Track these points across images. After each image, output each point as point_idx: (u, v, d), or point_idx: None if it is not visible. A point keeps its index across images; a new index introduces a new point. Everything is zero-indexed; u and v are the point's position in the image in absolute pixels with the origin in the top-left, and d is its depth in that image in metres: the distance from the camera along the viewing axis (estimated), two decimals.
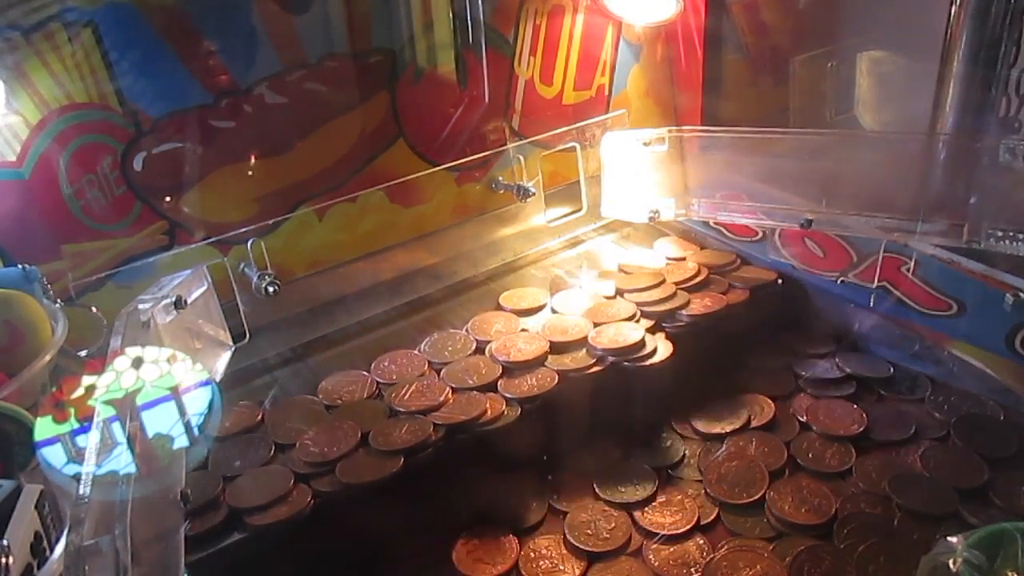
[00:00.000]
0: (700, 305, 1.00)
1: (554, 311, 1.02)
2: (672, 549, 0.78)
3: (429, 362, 0.94)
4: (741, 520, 0.80)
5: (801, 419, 0.92)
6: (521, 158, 1.14)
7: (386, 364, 0.94)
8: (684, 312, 0.99)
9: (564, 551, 0.79)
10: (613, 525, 0.80)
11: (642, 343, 0.92)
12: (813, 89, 1.33)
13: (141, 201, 0.91)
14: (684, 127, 1.08)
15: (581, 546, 0.78)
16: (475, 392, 0.88)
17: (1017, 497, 0.78)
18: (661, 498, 0.83)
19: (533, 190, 1.13)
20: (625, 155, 1.09)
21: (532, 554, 0.78)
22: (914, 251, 0.94)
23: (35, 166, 0.85)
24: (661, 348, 0.93)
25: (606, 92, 1.22)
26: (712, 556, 0.76)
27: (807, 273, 1.05)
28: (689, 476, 0.86)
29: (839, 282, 1.01)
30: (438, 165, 1.09)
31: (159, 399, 0.73)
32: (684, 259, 1.11)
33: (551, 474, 0.89)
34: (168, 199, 0.93)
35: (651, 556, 0.77)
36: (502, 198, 1.16)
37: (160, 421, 0.73)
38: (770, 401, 0.95)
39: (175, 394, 0.76)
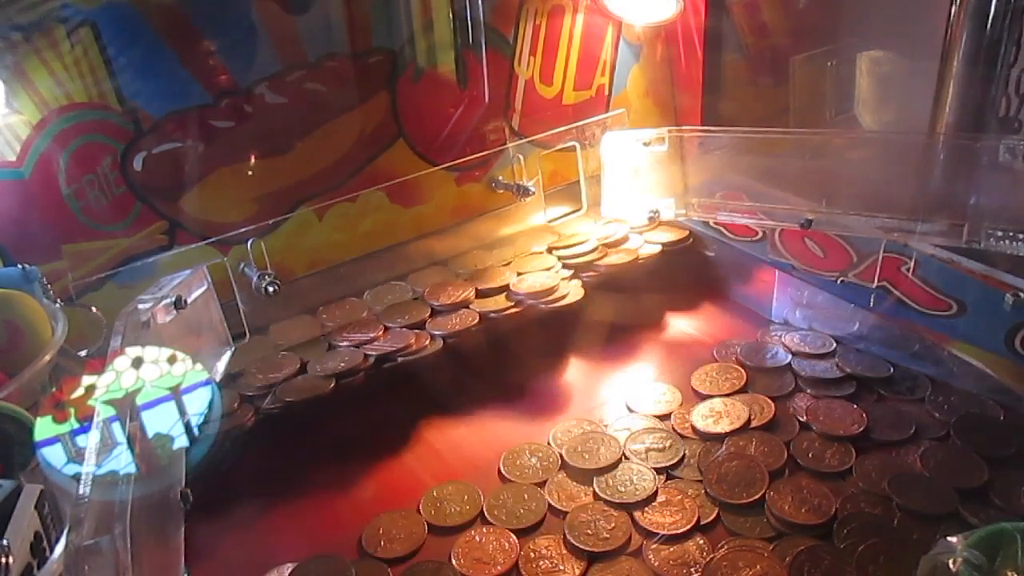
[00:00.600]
0: (614, 258, 1.12)
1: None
2: (672, 549, 0.77)
3: (369, 308, 1.05)
4: (741, 520, 0.80)
5: (801, 419, 0.92)
6: (521, 157, 1.14)
7: (332, 310, 1.05)
8: (599, 263, 1.11)
9: (564, 551, 0.78)
10: (613, 525, 0.80)
11: (555, 287, 1.05)
12: (813, 89, 1.33)
13: (141, 201, 0.91)
14: (684, 127, 1.08)
15: (581, 546, 0.78)
16: (405, 329, 1.00)
17: (1017, 497, 0.78)
18: (661, 498, 0.83)
19: (533, 189, 1.13)
20: (625, 155, 1.09)
21: (532, 554, 0.78)
22: (914, 251, 0.94)
23: (35, 166, 0.85)
24: (573, 293, 1.06)
25: (606, 92, 1.22)
26: (712, 556, 0.76)
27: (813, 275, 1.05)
28: (689, 476, 0.86)
29: (839, 282, 1.01)
30: (438, 165, 1.09)
31: (159, 399, 0.73)
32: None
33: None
34: (168, 199, 0.93)
35: (651, 556, 0.77)
36: (502, 198, 1.16)
37: (160, 421, 0.73)
38: (770, 401, 0.95)
39: (175, 394, 0.76)
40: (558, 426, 0.94)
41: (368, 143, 1.04)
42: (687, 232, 1.17)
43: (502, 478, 0.88)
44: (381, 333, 1.00)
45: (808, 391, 0.97)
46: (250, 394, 0.92)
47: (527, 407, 1.01)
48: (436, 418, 0.99)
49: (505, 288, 1.07)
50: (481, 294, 1.07)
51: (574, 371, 1.07)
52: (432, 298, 1.05)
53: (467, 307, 1.04)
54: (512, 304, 1.04)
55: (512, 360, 1.07)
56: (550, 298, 1.05)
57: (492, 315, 1.03)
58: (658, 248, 1.15)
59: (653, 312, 1.17)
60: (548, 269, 1.11)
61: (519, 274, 1.10)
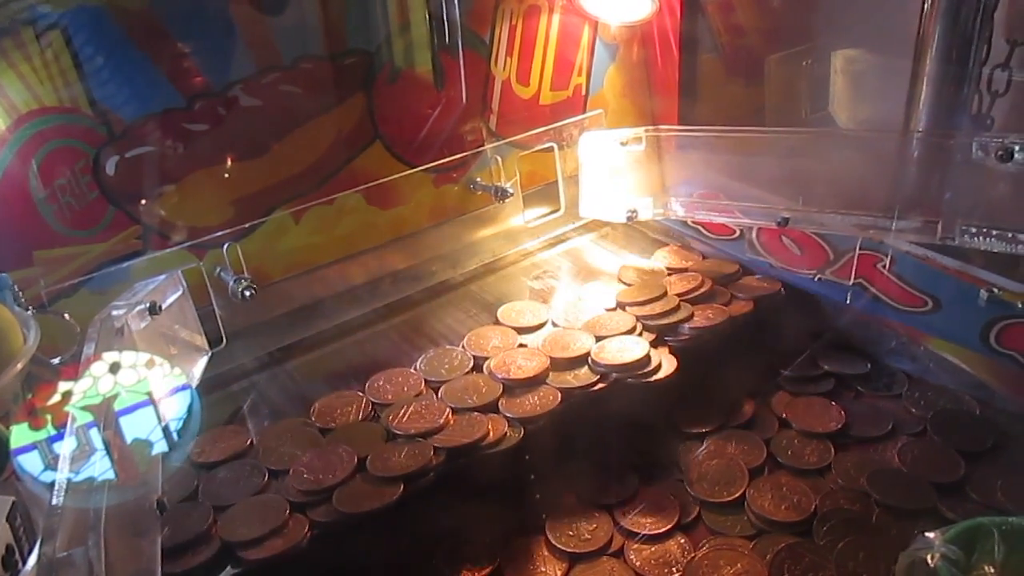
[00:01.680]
0: (702, 318, 0.97)
1: (554, 324, 0.99)
2: (653, 549, 0.78)
3: (426, 380, 0.91)
4: (722, 519, 0.80)
5: (781, 416, 0.93)
6: (499, 159, 1.14)
7: (381, 383, 0.91)
8: (687, 326, 0.96)
9: (545, 552, 0.78)
10: (594, 526, 0.80)
11: (647, 359, 0.90)
12: (788, 88, 1.33)
13: (114, 206, 0.90)
14: (661, 127, 1.08)
15: (562, 547, 0.78)
16: (475, 413, 0.84)
17: (993, 491, 0.79)
18: (642, 498, 0.83)
19: (511, 191, 1.13)
20: (602, 155, 1.09)
21: (514, 556, 0.78)
22: (889, 248, 0.94)
23: (5, 171, 0.83)
24: (665, 363, 0.91)
25: (583, 92, 1.22)
26: (693, 555, 0.76)
27: (789, 273, 1.05)
28: (670, 475, 0.86)
29: (816, 279, 1.02)
30: (415, 167, 1.08)
31: (136, 404, 0.72)
32: (686, 269, 1.08)
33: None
34: (142, 203, 0.92)
35: (632, 556, 0.77)
36: (480, 199, 1.16)
37: (138, 427, 0.72)
38: (749, 399, 0.95)
39: (153, 399, 0.75)
40: None
41: (345, 145, 1.03)
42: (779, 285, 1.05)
43: None
44: (450, 418, 0.83)
45: (787, 388, 0.98)
46: (298, 501, 0.76)
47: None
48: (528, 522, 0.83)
49: (585, 356, 0.91)
50: (556, 364, 0.90)
51: None
52: (501, 371, 0.89)
53: (543, 383, 0.88)
54: (597, 378, 0.89)
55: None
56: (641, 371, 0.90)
57: (575, 392, 0.87)
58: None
59: None
60: (631, 332, 0.94)
61: (597, 338, 0.93)
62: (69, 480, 0.56)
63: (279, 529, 0.73)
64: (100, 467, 0.59)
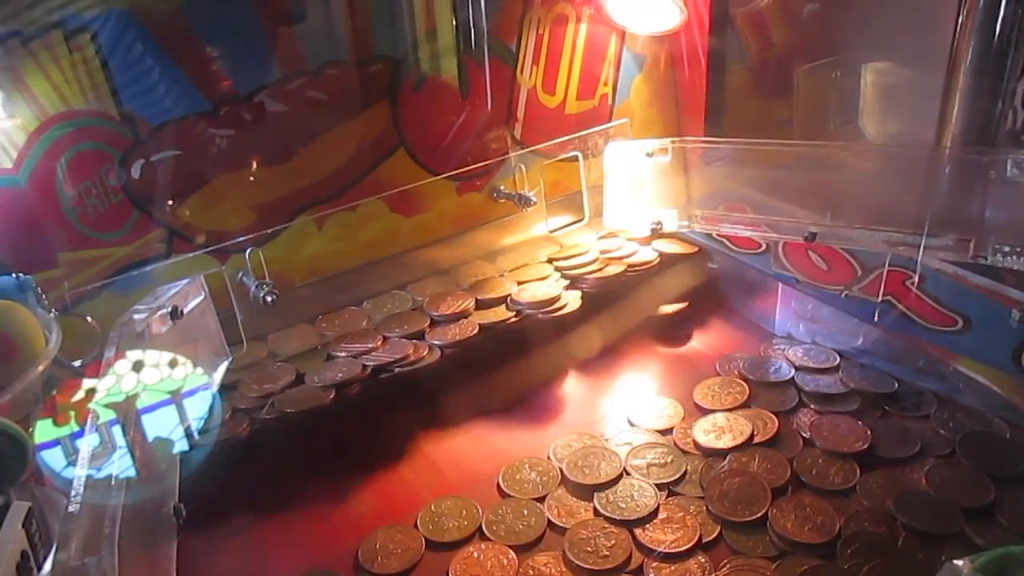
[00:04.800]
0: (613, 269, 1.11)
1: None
2: (673, 567, 0.76)
3: (368, 317, 1.04)
4: (743, 539, 0.79)
5: (805, 435, 0.91)
6: (523, 167, 1.13)
7: (335, 320, 1.04)
8: (596, 275, 1.10)
9: (563, 568, 0.77)
10: (613, 542, 0.79)
11: (557, 297, 1.04)
12: (817, 100, 1.32)
13: (139, 209, 0.90)
14: (687, 138, 1.08)
15: (580, 563, 0.77)
16: (404, 339, 0.99)
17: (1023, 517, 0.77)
18: (662, 515, 0.82)
19: (534, 199, 1.12)
20: (628, 165, 1.09)
21: (531, 571, 0.77)
22: (919, 265, 0.93)
23: (32, 173, 0.84)
24: (572, 302, 1.05)
25: (609, 102, 1.21)
26: (714, 575, 0.75)
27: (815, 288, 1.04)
28: (691, 492, 0.85)
29: (843, 296, 1.00)
30: (439, 174, 1.08)
31: (159, 403, 0.73)
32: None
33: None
34: (166, 207, 0.92)
35: (652, 574, 0.76)
36: (503, 207, 1.15)
37: (159, 425, 0.72)
38: (773, 416, 0.94)
39: (175, 398, 0.75)
40: (559, 440, 0.93)
41: (369, 152, 1.03)
42: (697, 248, 1.15)
43: (501, 493, 0.87)
44: (380, 343, 0.99)
45: (812, 406, 0.96)
46: (245, 406, 0.90)
47: (527, 420, 1.00)
48: (435, 431, 0.98)
49: (505, 298, 1.06)
50: (481, 304, 1.06)
51: (575, 384, 1.06)
52: (431, 308, 1.04)
53: (467, 317, 1.03)
54: (512, 314, 1.04)
55: (512, 372, 1.06)
56: (550, 308, 1.04)
57: (492, 325, 1.02)
58: (655, 256, 1.14)
59: (655, 326, 1.15)
60: (545, 278, 1.10)
61: (519, 284, 1.09)
62: (89, 476, 0.56)
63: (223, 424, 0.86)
64: (121, 464, 0.59)
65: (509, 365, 1.06)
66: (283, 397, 0.91)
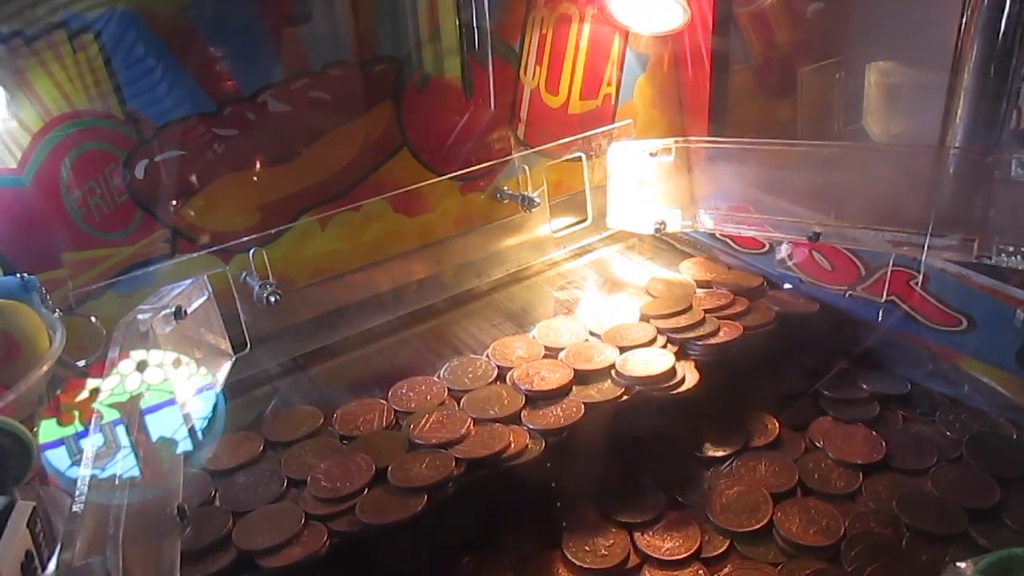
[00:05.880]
0: (729, 331, 0.95)
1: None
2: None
3: (449, 389, 0.90)
4: (755, 548, 0.78)
5: (818, 444, 0.90)
6: (526, 168, 1.13)
7: (404, 391, 0.90)
8: (711, 340, 0.94)
9: (561, 568, 0.77)
10: (611, 542, 0.79)
11: (671, 371, 0.89)
12: (821, 100, 1.32)
13: (143, 209, 0.90)
14: (691, 138, 1.07)
15: (579, 563, 0.77)
16: (497, 424, 0.84)
17: None
18: (665, 522, 0.81)
19: (538, 200, 1.12)
20: (631, 165, 1.08)
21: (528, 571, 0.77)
22: (923, 265, 0.92)
23: (36, 173, 0.84)
24: (689, 376, 0.90)
25: (612, 102, 1.21)
26: None
27: (819, 288, 1.03)
28: (695, 501, 0.84)
29: (847, 296, 1.00)
30: (442, 174, 1.08)
31: (162, 403, 0.72)
32: (710, 283, 1.07)
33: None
34: (170, 207, 0.92)
35: None
36: (507, 208, 1.15)
37: (163, 425, 0.72)
38: (775, 420, 0.93)
39: (179, 399, 0.75)
40: None
41: (372, 152, 1.03)
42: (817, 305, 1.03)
43: None
44: (472, 428, 0.83)
45: (829, 413, 0.95)
46: (317, 513, 0.75)
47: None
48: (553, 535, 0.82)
49: (609, 368, 0.90)
50: (580, 377, 0.90)
51: None
52: (524, 382, 0.88)
53: (567, 395, 0.87)
54: (621, 391, 0.88)
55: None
56: (666, 385, 0.89)
57: (598, 404, 0.86)
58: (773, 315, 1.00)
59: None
60: (649, 343, 0.94)
61: (620, 349, 0.93)
62: (93, 476, 0.56)
63: (296, 537, 0.72)
64: (125, 464, 0.59)
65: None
66: (364, 501, 0.75)
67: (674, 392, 0.88)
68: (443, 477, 0.76)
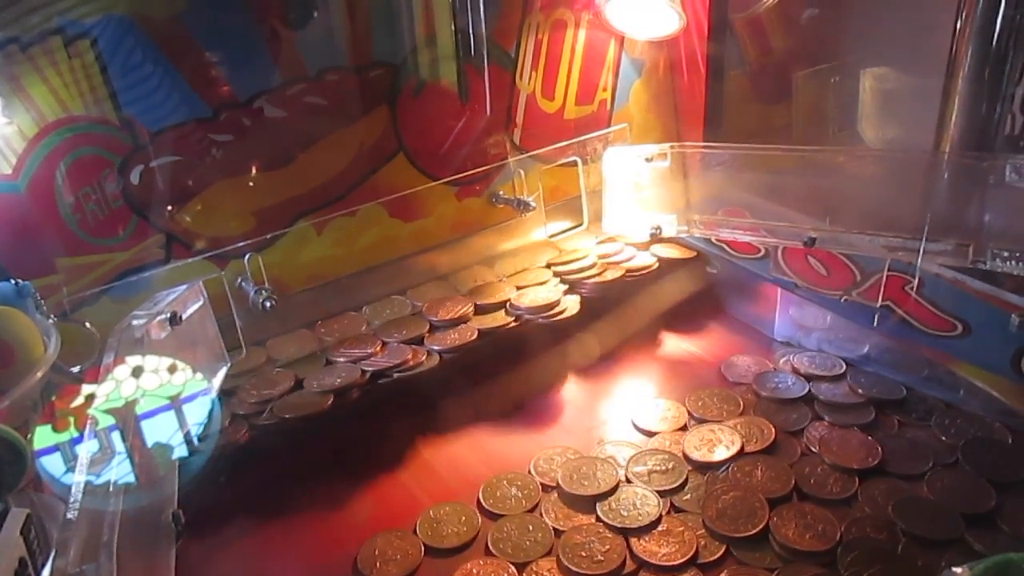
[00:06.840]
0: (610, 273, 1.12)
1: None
2: None
3: (367, 322, 1.04)
4: (752, 554, 0.78)
5: (814, 449, 0.90)
6: (522, 172, 1.13)
7: (334, 325, 1.04)
8: (595, 280, 1.10)
9: (557, 574, 0.77)
10: (608, 547, 0.79)
11: (556, 302, 1.05)
12: (815, 105, 1.32)
13: (137, 215, 0.90)
14: (686, 143, 1.08)
15: (574, 568, 0.76)
16: (403, 344, 0.99)
17: None
18: (662, 527, 0.81)
19: (533, 204, 1.12)
20: (627, 170, 1.09)
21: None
22: (918, 270, 0.93)
23: (31, 179, 0.84)
24: (572, 306, 1.06)
25: (608, 107, 1.21)
26: None
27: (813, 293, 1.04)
28: (693, 508, 0.84)
29: (842, 300, 1.00)
30: (438, 179, 1.08)
31: (158, 409, 0.72)
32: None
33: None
34: (165, 213, 0.92)
35: None
36: (502, 212, 1.15)
37: (158, 431, 0.72)
38: (771, 425, 0.93)
39: (174, 403, 0.75)
40: (540, 454, 0.92)
41: (368, 157, 1.03)
42: (696, 252, 1.16)
43: (483, 511, 0.86)
44: (379, 348, 0.99)
45: (826, 418, 0.95)
46: (243, 412, 0.90)
47: (527, 425, 1.00)
48: (434, 436, 0.98)
49: (505, 303, 1.06)
50: (480, 309, 1.06)
51: (574, 389, 1.06)
52: (431, 313, 1.04)
53: (466, 322, 1.03)
54: (512, 319, 1.04)
55: (512, 378, 1.06)
56: (550, 313, 1.04)
57: (491, 330, 1.02)
58: (654, 261, 1.15)
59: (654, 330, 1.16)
60: (544, 283, 1.11)
61: (519, 288, 1.09)
62: (87, 483, 0.56)
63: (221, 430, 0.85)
64: (119, 471, 0.59)
65: (508, 370, 1.06)
66: (282, 403, 0.91)
67: (555, 319, 1.04)
68: (349, 383, 0.93)
